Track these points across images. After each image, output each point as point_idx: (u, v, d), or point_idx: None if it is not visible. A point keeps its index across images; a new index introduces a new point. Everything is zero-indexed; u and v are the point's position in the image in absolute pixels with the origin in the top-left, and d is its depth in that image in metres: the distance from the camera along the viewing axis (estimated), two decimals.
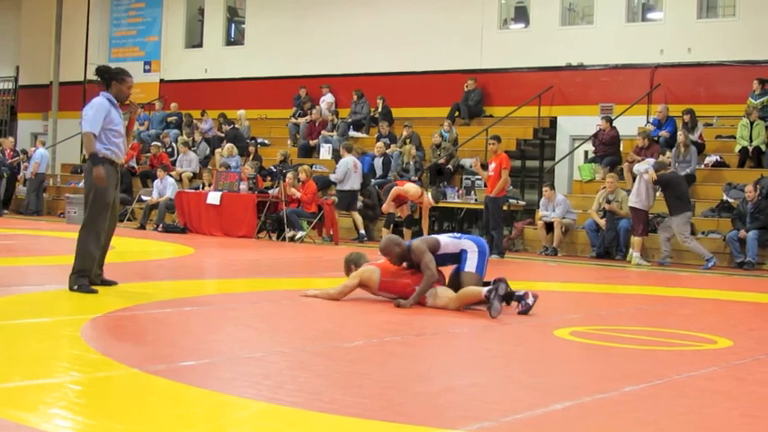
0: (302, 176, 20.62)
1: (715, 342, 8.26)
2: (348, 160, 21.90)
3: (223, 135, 27.24)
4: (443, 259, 10.22)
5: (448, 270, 10.30)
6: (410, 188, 17.83)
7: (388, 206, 17.88)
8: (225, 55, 31.66)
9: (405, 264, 10.13)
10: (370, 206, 22.05)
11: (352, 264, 10.52)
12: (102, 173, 9.92)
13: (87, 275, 10.03)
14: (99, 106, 10.12)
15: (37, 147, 28.50)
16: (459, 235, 10.68)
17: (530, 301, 9.57)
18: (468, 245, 10.26)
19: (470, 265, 10.10)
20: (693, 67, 23.24)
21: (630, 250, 18.05)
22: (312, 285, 12.32)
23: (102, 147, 10.10)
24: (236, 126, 27.39)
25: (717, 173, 20.58)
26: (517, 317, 9.40)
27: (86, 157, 10.35)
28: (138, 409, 5.11)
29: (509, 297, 9.72)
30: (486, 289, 9.41)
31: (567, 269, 16.59)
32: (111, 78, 10.37)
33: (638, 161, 18.48)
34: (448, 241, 10.28)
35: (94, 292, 9.86)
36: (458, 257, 10.18)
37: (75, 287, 9.89)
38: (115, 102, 10.29)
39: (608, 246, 18.71)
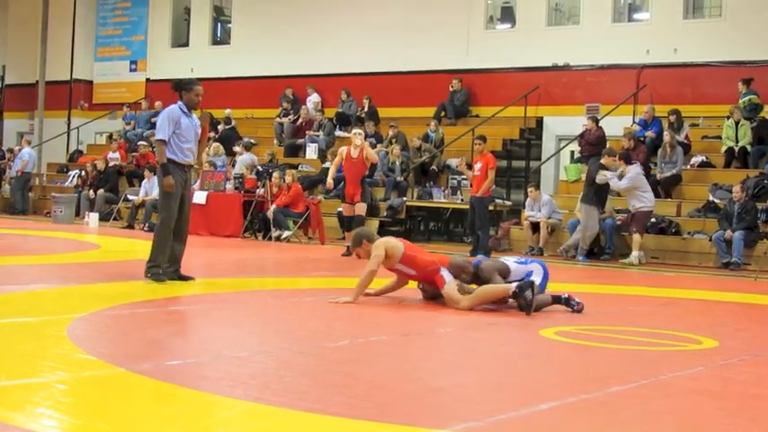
0: (288, 179, 20.61)
1: (700, 342, 8.28)
2: (246, 158, 23.09)
3: (210, 135, 27.27)
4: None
5: None
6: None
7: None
8: (211, 54, 31.67)
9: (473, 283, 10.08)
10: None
11: (364, 239, 10.43)
12: (170, 181, 10.97)
13: (160, 266, 11.07)
14: (168, 115, 11.18)
15: (23, 146, 28.42)
16: (524, 260, 10.76)
17: (576, 305, 9.73)
18: (534, 268, 10.28)
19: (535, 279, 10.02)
20: (679, 68, 23.31)
21: (635, 251, 17.87)
22: (299, 285, 12.33)
23: (169, 152, 11.06)
24: (234, 126, 27.43)
25: (703, 173, 20.63)
26: (503, 317, 9.40)
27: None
28: (125, 408, 5.10)
29: (556, 301, 9.91)
30: (515, 284, 9.51)
31: (553, 269, 16.55)
32: (181, 89, 11.31)
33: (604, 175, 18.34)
34: (516, 267, 10.27)
35: (164, 281, 10.93)
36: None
37: (149, 275, 11.01)
38: (186, 109, 11.21)
39: (592, 245, 18.72)
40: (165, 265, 11.16)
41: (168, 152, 11.07)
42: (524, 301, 9.41)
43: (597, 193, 18.07)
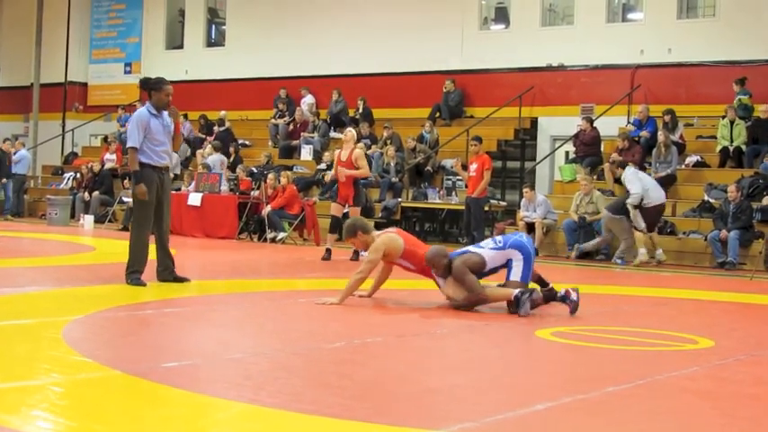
0: (283, 181, 20.60)
1: (696, 342, 8.28)
2: (216, 158, 23.10)
3: (203, 136, 27.28)
4: (493, 270, 10.04)
5: (500, 277, 10.21)
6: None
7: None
8: (205, 56, 31.65)
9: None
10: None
11: (359, 229, 10.36)
12: (142, 189, 10.82)
13: (138, 271, 10.92)
14: (136, 120, 10.98)
15: (18, 148, 28.37)
16: (501, 241, 10.14)
17: (573, 296, 9.63)
18: (513, 254, 9.89)
19: (515, 273, 9.81)
20: (674, 68, 23.32)
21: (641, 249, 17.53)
22: (294, 286, 12.33)
23: (143, 157, 10.89)
24: (229, 128, 27.43)
25: (697, 173, 20.64)
26: (499, 318, 9.41)
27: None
28: (120, 410, 5.10)
29: (551, 299, 9.83)
30: (517, 290, 9.44)
31: (548, 270, 16.56)
32: (150, 88, 11.13)
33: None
34: (493, 254, 9.91)
35: (144, 284, 10.77)
36: (505, 265, 9.97)
37: (129, 281, 10.85)
38: (154, 110, 11.00)
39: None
40: (158, 268, 11.16)
41: (143, 157, 10.91)
42: (518, 313, 9.40)
43: (616, 202, 17.86)
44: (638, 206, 17.31)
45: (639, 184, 17.46)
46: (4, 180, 26.44)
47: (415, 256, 10.14)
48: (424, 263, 10.01)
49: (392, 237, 10.32)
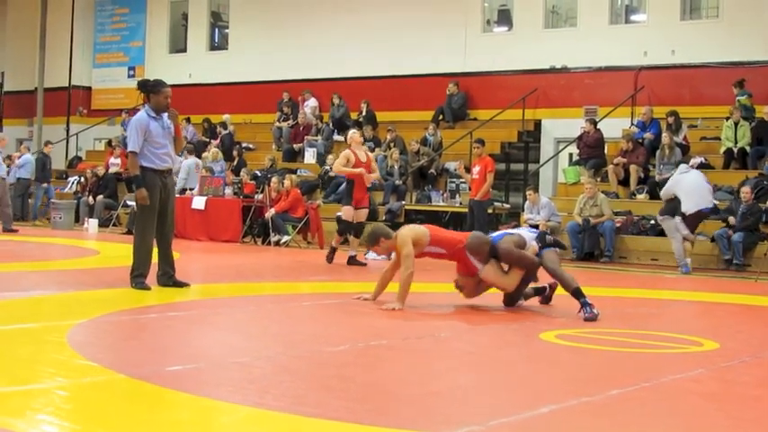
0: (287, 184, 20.59)
1: (701, 344, 8.27)
2: (190, 162, 23.08)
3: (207, 140, 27.30)
4: None
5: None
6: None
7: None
8: (209, 60, 31.68)
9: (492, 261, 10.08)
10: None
11: (381, 236, 10.27)
12: (143, 194, 10.75)
13: (143, 274, 10.88)
14: (135, 124, 10.91)
15: (22, 152, 28.36)
16: (535, 230, 10.71)
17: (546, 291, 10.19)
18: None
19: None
20: (677, 69, 23.30)
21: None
22: (298, 290, 12.32)
23: (144, 160, 10.82)
24: (230, 131, 27.43)
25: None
26: (503, 320, 9.41)
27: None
28: (125, 414, 5.10)
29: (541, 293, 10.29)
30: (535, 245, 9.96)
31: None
32: (148, 91, 11.08)
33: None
34: (532, 236, 10.26)
35: (148, 288, 10.73)
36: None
37: (134, 285, 10.80)
38: (153, 114, 10.94)
39: (591, 249, 18.72)
40: (158, 273, 11.12)
41: (144, 161, 10.83)
42: (549, 243, 9.84)
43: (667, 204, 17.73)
44: (681, 213, 17.04)
45: (672, 186, 17.30)
46: (45, 184, 26.49)
47: (445, 241, 10.16)
48: (465, 248, 10.01)
49: (412, 226, 10.45)
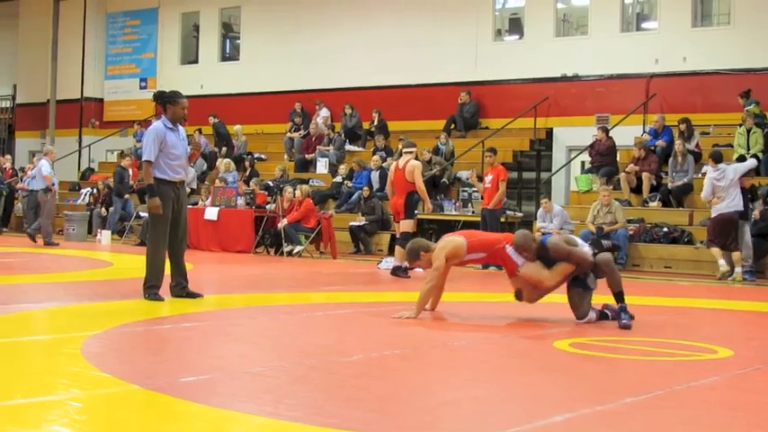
0: (298, 194, 20.62)
1: (716, 352, 8.25)
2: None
3: (218, 150, 27.35)
4: None
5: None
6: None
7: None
8: (220, 71, 31.76)
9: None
10: (376, 221, 22.01)
11: (421, 250, 10.19)
12: (156, 203, 10.72)
13: (156, 286, 10.90)
14: (153, 133, 10.86)
15: (35, 164, 28.41)
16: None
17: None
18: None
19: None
20: (689, 76, 23.29)
21: (737, 268, 16.74)
22: (311, 300, 12.32)
23: (158, 171, 10.80)
24: (234, 141, 27.46)
25: None
26: (517, 328, 9.40)
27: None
28: (139, 425, 5.11)
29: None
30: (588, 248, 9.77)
31: None
32: (165, 102, 11.06)
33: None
34: (583, 242, 10.14)
35: (161, 299, 10.77)
36: None
37: (147, 296, 10.83)
38: (170, 124, 10.96)
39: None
40: (171, 283, 11.11)
41: (158, 172, 10.80)
42: (605, 248, 9.76)
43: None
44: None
45: (709, 186, 17.12)
46: (127, 196, 26.50)
47: (483, 243, 10.12)
48: (512, 244, 9.93)
49: (448, 239, 10.30)
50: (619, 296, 9.75)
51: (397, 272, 15.66)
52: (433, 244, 10.31)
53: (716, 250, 16.97)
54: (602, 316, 9.96)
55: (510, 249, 9.91)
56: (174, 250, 11.10)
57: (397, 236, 16.49)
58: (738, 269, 16.71)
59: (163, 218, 10.85)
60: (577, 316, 9.86)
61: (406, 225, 16.27)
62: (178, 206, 11.03)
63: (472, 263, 10.32)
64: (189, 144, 11.29)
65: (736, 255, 16.77)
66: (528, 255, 9.90)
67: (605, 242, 10.17)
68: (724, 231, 16.86)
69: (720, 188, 16.86)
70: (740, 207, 16.83)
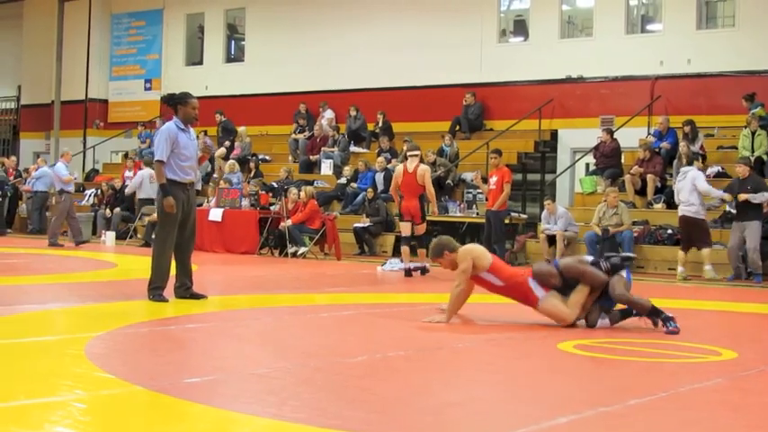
0: (302, 195, 20.63)
1: (719, 354, 8.25)
2: (144, 173, 23.00)
3: (224, 149, 27.37)
4: None
5: None
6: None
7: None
8: (225, 72, 31.74)
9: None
10: (381, 222, 22.02)
11: (445, 249, 10.01)
12: (170, 202, 10.72)
13: (160, 287, 10.90)
14: (165, 133, 10.91)
15: (39, 165, 28.46)
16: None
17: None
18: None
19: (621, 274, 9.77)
20: (693, 78, 23.26)
21: (705, 266, 17.23)
22: (315, 301, 12.32)
23: (169, 172, 10.83)
24: (238, 142, 27.44)
25: (719, 184, 20.48)
26: (521, 330, 9.39)
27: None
28: (143, 426, 5.12)
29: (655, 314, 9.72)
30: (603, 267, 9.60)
31: None
32: (176, 103, 11.11)
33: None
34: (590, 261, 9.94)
35: (166, 300, 10.78)
36: None
37: (151, 297, 10.84)
38: (182, 125, 11.01)
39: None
40: (175, 284, 11.10)
41: (168, 172, 10.82)
42: (616, 265, 9.57)
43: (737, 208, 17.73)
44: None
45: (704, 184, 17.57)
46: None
47: (504, 271, 9.93)
48: (532, 275, 9.76)
49: (474, 246, 10.28)
50: (654, 312, 9.52)
51: (411, 271, 15.91)
52: (459, 245, 10.18)
53: (681, 254, 17.42)
54: (623, 314, 9.83)
55: (532, 282, 9.71)
56: (181, 251, 11.10)
57: (403, 235, 16.53)
58: (708, 266, 17.18)
59: (172, 219, 10.85)
60: (588, 322, 9.75)
61: (423, 229, 16.57)
62: (188, 208, 11.03)
63: (486, 287, 10.03)
64: (200, 148, 11.34)
65: (704, 252, 17.28)
66: (548, 281, 9.69)
67: (614, 259, 9.82)
68: (684, 232, 17.56)
69: (680, 189, 17.52)
70: (699, 215, 17.36)
